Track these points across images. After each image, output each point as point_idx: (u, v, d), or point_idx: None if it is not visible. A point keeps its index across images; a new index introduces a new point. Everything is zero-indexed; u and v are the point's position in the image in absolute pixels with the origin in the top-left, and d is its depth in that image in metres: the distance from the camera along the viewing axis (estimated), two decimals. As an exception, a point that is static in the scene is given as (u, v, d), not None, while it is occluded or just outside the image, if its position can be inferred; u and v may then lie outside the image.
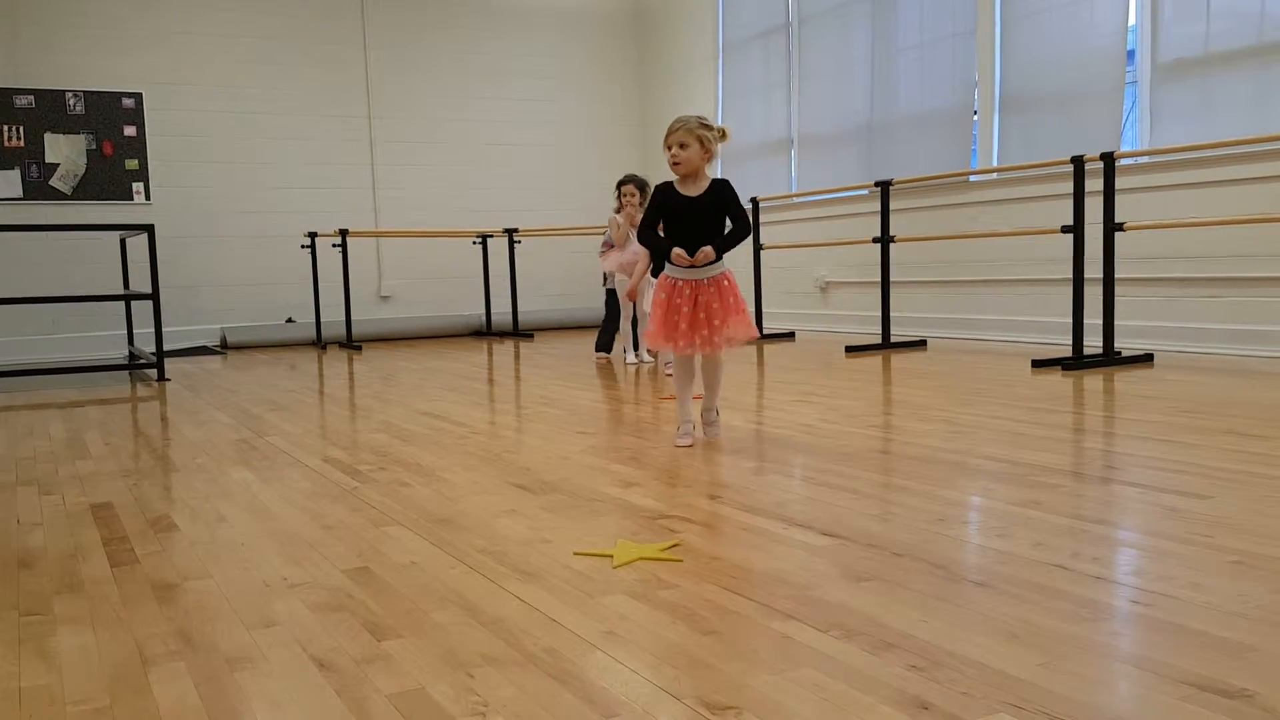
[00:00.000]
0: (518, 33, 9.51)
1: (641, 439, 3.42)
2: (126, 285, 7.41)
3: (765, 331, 7.53)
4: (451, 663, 1.51)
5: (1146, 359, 5.12)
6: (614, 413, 4.09)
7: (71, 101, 7.88)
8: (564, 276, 9.70)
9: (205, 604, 1.83)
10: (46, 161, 7.83)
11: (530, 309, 9.20)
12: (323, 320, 8.22)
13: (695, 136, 3.10)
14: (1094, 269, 5.23)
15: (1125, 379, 4.50)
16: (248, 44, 8.48)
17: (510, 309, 8.74)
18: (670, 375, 3.87)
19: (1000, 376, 4.72)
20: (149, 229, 5.70)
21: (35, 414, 4.61)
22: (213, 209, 8.39)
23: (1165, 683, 1.35)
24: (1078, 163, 5.03)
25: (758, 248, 7.32)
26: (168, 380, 5.86)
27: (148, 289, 5.87)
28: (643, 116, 9.97)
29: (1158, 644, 1.48)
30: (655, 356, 5.74)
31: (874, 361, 5.66)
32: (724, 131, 3.20)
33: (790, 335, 7.50)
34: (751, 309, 7.68)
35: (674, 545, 2.09)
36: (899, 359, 5.73)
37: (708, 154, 3.14)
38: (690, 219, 3.14)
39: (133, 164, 8.10)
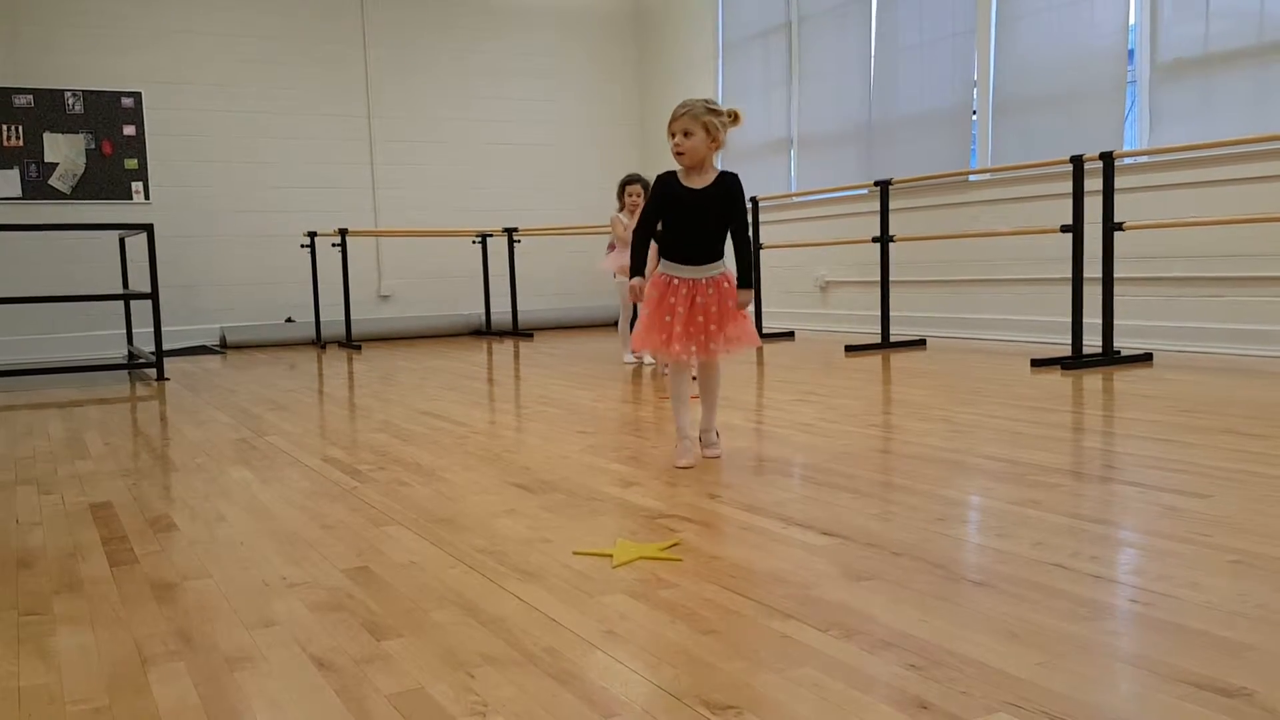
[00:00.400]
0: (518, 32, 9.51)
1: (641, 438, 3.42)
2: (126, 285, 7.41)
3: (765, 331, 7.53)
4: (451, 662, 1.51)
5: (1146, 358, 5.12)
6: (614, 412, 4.09)
7: (70, 101, 7.88)
8: (564, 276, 9.70)
9: (205, 604, 1.83)
10: (45, 161, 7.83)
11: (530, 308, 9.20)
12: (322, 320, 8.22)
13: (701, 123, 2.80)
14: (1093, 268, 5.23)
15: (1124, 378, 4.50)
16: (247, 43, 8.48)
17: (510, 308, 8.74)
18: (667, 374, 3.50)
19: (1000, 376, 4.72)
20: (148, 228, 5.70)
21: (35, 413, 4.61)
22: (212, 208, 8.39)
23: (1164, 682, 1.35)
24: (1077, 162, 5.03)
25: (757, 247, 7.32)
26: (167, 380, 5.86)
27: (147, 288, 5.87)
28: (643, 116, 9.97)
29: (1157, 643, 1.48)
30: (656, 357, 5.56)
31: (874, 361, 5.67)
32: (735, 115, 2.87)
33: (790, 335, 7.50)
34: (752, 309, 7.75)
35: (674, 545, 2.09)
36: (899, 358, 5.73)
37: (715, 142, 2.83)
38: (693, 214, 2.85)
39: (132, 163, 8.10)
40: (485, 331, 8.84)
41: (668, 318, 2.85)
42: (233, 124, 8.44)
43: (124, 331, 7.59)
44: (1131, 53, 5.77)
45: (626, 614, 1.69)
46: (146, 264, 5.79)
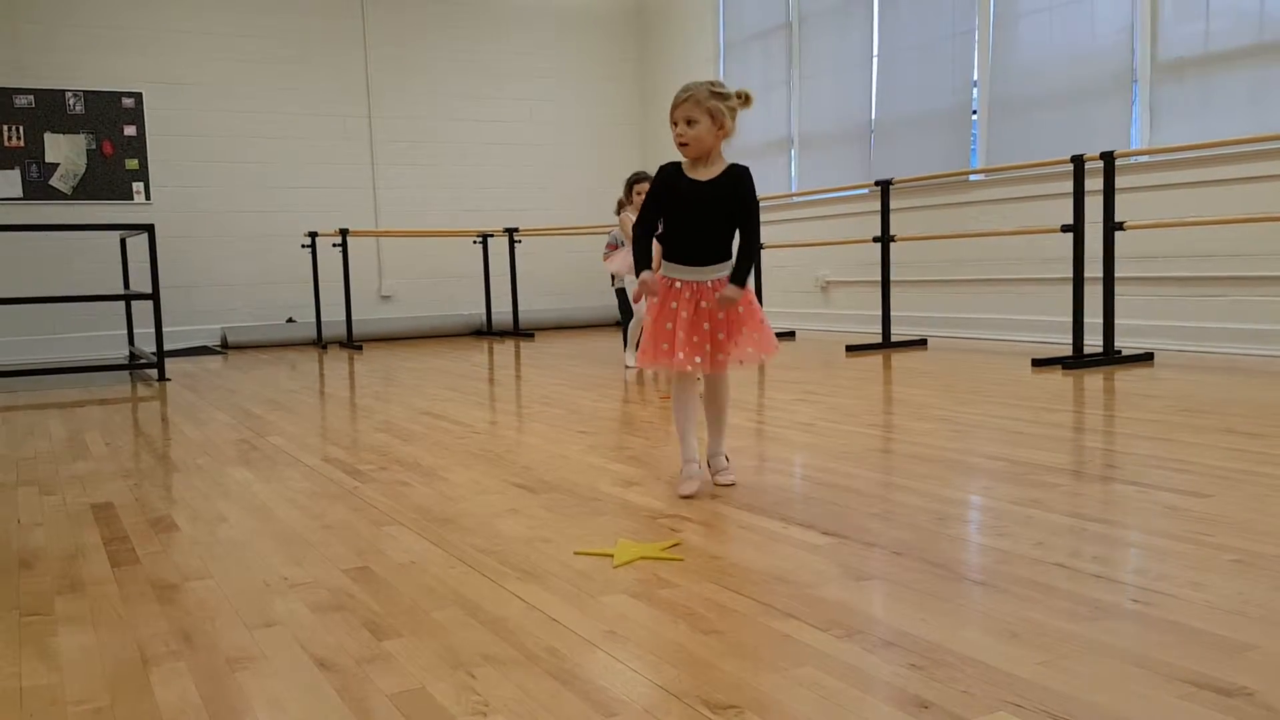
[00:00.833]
0: (518, 32, 9.51)
1: (642, 438, 3.42)
2: (127, 285, 7.41)
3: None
4: (452, 662, 1.51)
5: (1146, 358, 5.12)
6: (615, 412, 4.09)
7: (71, 101, 7.88)
8: (564, 276, 9.70)
9: (206, 604, 1.83)
10: (46, 161, 7.83)
11: (531, 308, 9.20)
12: (323, 320, 8.22)
13: (705, 109, 2.48)
14: (1094, 268, 5.23)
15: (1125, 378, 4.50)
16: (248, 43, 8.48)
17: (511, 308, 8.74)
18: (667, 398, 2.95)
19: (1000, 375, 4.72)
20: (149, 229, 5.70)
21: (36, 414, 4.61)
22: (213, 209, 8.39)
23: (1165, 681, 1.35)
24: (1078, 162, 5.03)
25: (758, 247, 7.31)
26: (168, 380, 5.86)
27: (148, 289, 5.87)
28: (643, 116, 9.97)
29: (1157, 642, 1.48)
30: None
31: (874, 361, 5.67)
32: (745, 96, 2.55)
33: (791, 335, 7.50)
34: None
35: (674, 544, 2.09)
36: (899, 358, 5.73)
37: (722, 130, 2.52)
38: (698, 209, 2.53)
39: (133, 164, 8.10)
40: (486, 332, 8.85)
41: (669, 325, 2.53)
42: (234, 124, 8.44)
43: (125, 332, 7.59)
44: (1132, 52, 5.76)
45: (627, 614, 1.69)
46: (147, 264, 5.80)
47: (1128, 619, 1.59)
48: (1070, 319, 5.21)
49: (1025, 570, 1.84)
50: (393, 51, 9.01)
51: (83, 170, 7.94)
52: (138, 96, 8.09)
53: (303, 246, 8.23)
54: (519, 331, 8.62)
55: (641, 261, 2.59)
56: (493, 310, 8.85)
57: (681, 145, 2.54)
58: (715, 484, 2.61)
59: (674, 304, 2.53)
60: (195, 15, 8.28)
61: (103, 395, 5.29)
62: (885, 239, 6.24)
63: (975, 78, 6.64)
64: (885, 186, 6.25)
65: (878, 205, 6.34)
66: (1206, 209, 5.25)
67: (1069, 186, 5.16)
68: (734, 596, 1.76)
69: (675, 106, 2.53)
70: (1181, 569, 1.82)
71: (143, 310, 7.54)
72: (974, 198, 6.63)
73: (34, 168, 7.79)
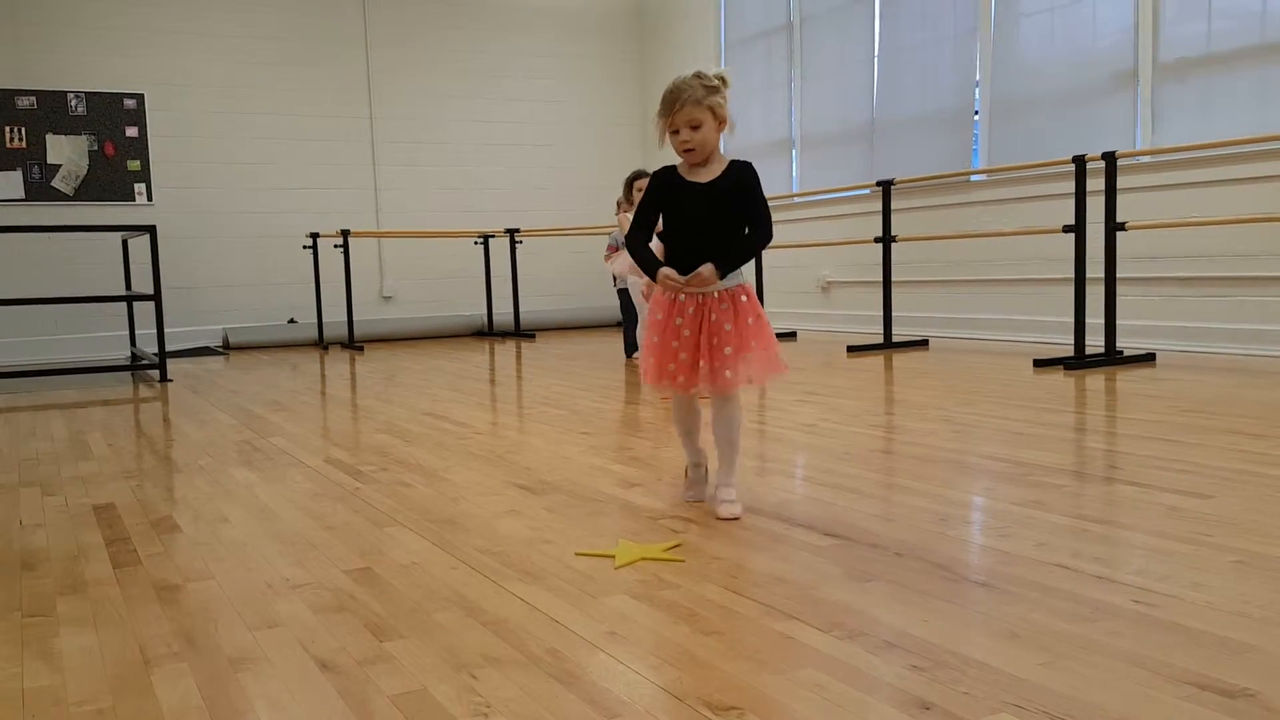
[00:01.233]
0: (519, 32, 9.51)
1: (644, 439, 3.42)
2: (129, 286, 7.41)
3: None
4: (454, 663, 1.51)
5: (1148, 358, 5.12)
6: (616, 413, 4.09)
7: (73, 102, 7.88)
8: (566, 276, 9.70)
9: (208, 605, 1.83)
10: (48, 162, 7.84)
11: (532, 309, 9.20)
12: (325, 321, 8.22)
13: (707, 108, 2.26)
14: (1096, 269, 5.22)
15: (1127, 378, 4.50)
16: (249, 44, 8.48)
17: (512, 309, 8.74)
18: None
19: (1002, 376, 4.71)
20: (151, 230, 5.70)
21: (38, 415, 4.62)
22: (215, 210, 8.39)
23: (1166, 682, 1.35)
24: (1079, 162, 5.03)
25: (762, 247, 7.30)
26: (170, 381, 5.87)
27: (150, 290, 5.87)
28: (645, 116, 9.97)
29: (1159, 643, 1.48)
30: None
31: (876, 361, 5.66)
32: (724, 78, 2.33)
33: (792, 335, 7.50)
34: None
35: (676, 545, 2.09)
36: (901, 359, 5.73)
37: (722, 125, 2.31)
38: (702, 213, 2.30)
39: (134, 165, 8.11)
40: (487, 332, 8.85)
41: (674, 343, 2.31)
42: (235, 125, 8.45)
43: (127, 333, 7.60)
44: (1134, 52, 5.76)
45: (628, 615, 1.69)
46: (149, 265, 5.80)
47: (1129, 620, 1.59)
48: (1072, 319, 5.21)
49: (1027, 571, 1.84)
50: (394, 52, 9.01)
51: (84, 171, 7.95)
52: (139, 98, 8.10)
53: (304, 247, 8.23)
54: (520, 332, 8.62)
55: (647, 269, 2.36)
56: (494, 311, 8.85)
57: (688, 151, 2.30)
58: (718, 516, 2.32)
59: (679, 320, 2.31)
60: (197, 16, 8.28)
61: (105, 396, 5.29)
62: (886, 239, 6.23)
63: (977, 78, 6.64)
64: (887, 187, 6.24)
65: (879, 205, 6.33)
66: (1208, 209, 5.25)
67: (1071, 187, 5.15)
68: (735, 598, 1.76)
69: (673, 111, 2.27)
70: (1183, 570, 1.82)
71: (144, 311, 7.55)
72: (975, 198, 6.63)
73: (36, 169, 7.80)
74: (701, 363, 2.29)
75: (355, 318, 8.15)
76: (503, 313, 8.92)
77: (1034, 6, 6.22)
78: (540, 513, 2.43)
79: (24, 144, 7.76)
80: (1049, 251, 6.06)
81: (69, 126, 7.88)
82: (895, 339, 6.41)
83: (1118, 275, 5.17)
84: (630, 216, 4.65)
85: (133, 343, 7.42)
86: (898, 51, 7.26)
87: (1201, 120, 5.37)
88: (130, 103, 8.07)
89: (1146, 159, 5.54)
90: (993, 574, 1.83)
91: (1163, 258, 5.54)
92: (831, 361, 5.70)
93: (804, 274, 8.08)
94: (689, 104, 2.26)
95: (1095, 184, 5.09)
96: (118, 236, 7.53)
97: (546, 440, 3.44)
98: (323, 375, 6.02)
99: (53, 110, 7.83)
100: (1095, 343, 5.32)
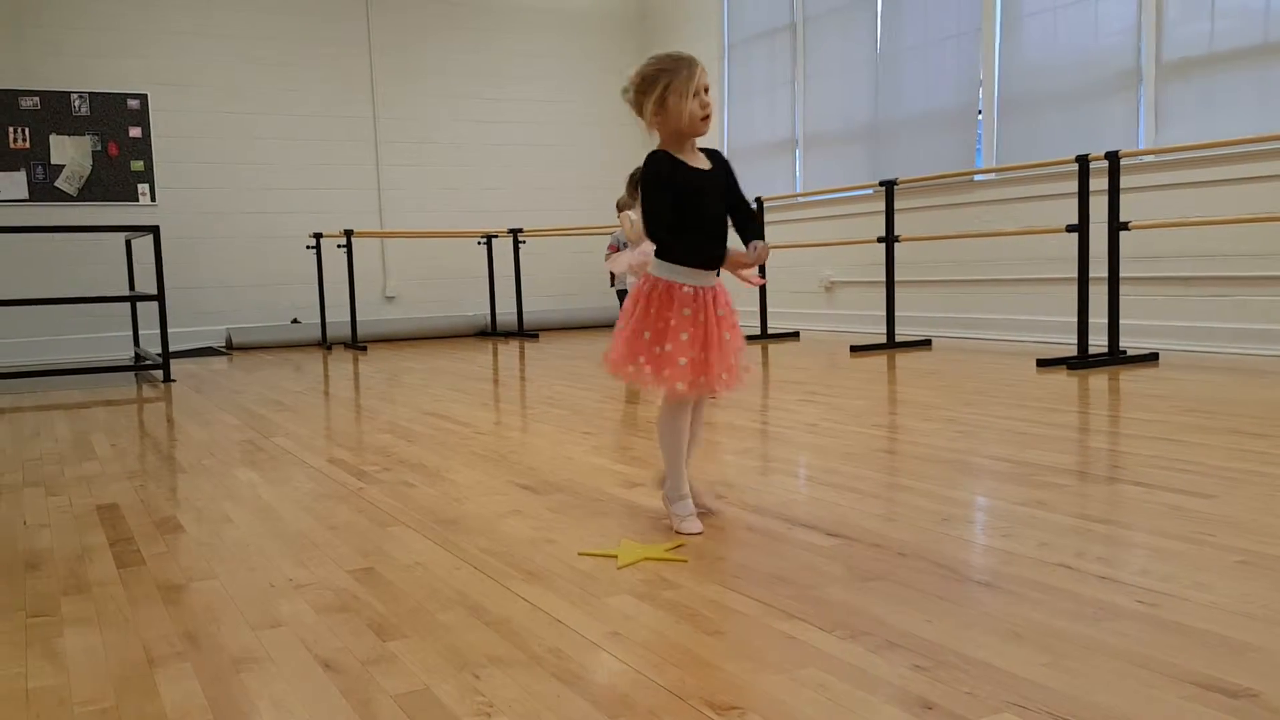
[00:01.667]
0: (522, 33, 9.52)
1: (646, 440, 3.42)
2: (132, 286, 7.43)
3: (770, 331, 7.53)
4: (457, 663, 1.51)
5: (1152, 358, 5.11)
6: (618, 413, 4.10)
7: (77, 103, 7.90)
8: (568, 276, 9.71)
9: (211, 605, 1.84)
10: (52, 163, 7.85)
11: (535, 309, 9.21)
12: (328, 321, 8.23)
13: None
14: (1099, 268, 5.22)
15: (1130, 378, 4.49)
16: (252, 45, 8.49)
17: (515, 309, 8.75)
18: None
19: (1005, 376, 4.71)
20: (154, 230, 5.71)
21: (42, 415, 4.62)
22: (218, 210, 8.41)
23: (1169, 682, 1.35)
24: (1082, 162, 5.02)
25: (762, 247, 7.30)
26: (173, 381, 5.87)
27: (153, 290, 5.88)
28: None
29: (1162, 643, 1.48)
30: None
31: (879, 361, 5.66)
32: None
33: (795, 335, 7.50)
34: (756, 309, 7.78)
35: (678, 545, 2.09)
36: (904, 358, 5.72)
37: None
38: (708, 202, 2.22)
39: (138, 165, 8.12)
40: (490, 332, 8.85)
41: (684, 335, 2.19)
42: (238, 126, 8.46)
43: (130, 333, 7.61)
44: (1137, 52, 5.76)
45: (631, 615, 1.69)
46: (153, 266, 5.81)
47: (1132, 620, 1.58)
48: (1075, 319, 5.20)
49: (1030, 571, 1.84)
50: (397, 53, 9.02)
51: (88, 172, 7.96)
52: (143, 98, 8.11)
53: (307, 248, 8.24)
54: (523, 332, 8.63)
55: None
56: (497, 311, 8.86)
57: (706, 119, 2.20)
58: (707, 509, 2.31)
59: (687, 310, 2.18)
60: (200, 17, 8.30)
61: (108, 396, 5.30)
62: (890, 239, 6.23)
63: (980, 78, 6.64)
64: (890, 187, 6.24)
65: (882, 205, 6.33)
66: (1211, 209, 5.24)
67: (1074, 186, 5.15)
68: (738, 597, 1.76)
69: (699, 73, 2.18)
70: (1186, 570, 1.81)
71: (148, 311, 7.56)
72: (978, 198, 6.63)
73: (39, 169, 7.81)
74: (722, 364, 2.19)
75: (358, 318, 8.16)
76: (506, 313, 8.93)
77: (1037, 6, 6.22)
78: (543, 513, 2.43)
79: (28, 144, 7.77)
80: (1052, 251, 6.05)
81: (73, 127, 7.90)
82: (898, 339, 6.41)
83: (1121, 275, 5.17)
84: (632, 215, 4.23)
85: (136, 343, 7.44)
86: (900, 51, 7.25)
87: (1205, 120, 5.36)
88: (134, 103, 8.08)
89: (1150, 158, 5.53)
90: (995, 574, 1.83)
91: (1166, 257, 5.54)
92: (834, 361, 5.69)
93: (807, 274, 8.08)
94: (701, 69, 2.20)
95: (1098, 183, 5.08)
96: (121, 237, 7.54)
97: (549, 440, 3.44)
98: (326, 375, 6.03)
99: (56, 111, 7.84)
100: (1098, 342, 5.32)
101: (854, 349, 6.19)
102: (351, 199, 8.89)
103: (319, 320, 8.26)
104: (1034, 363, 5.08)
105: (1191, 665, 1.40)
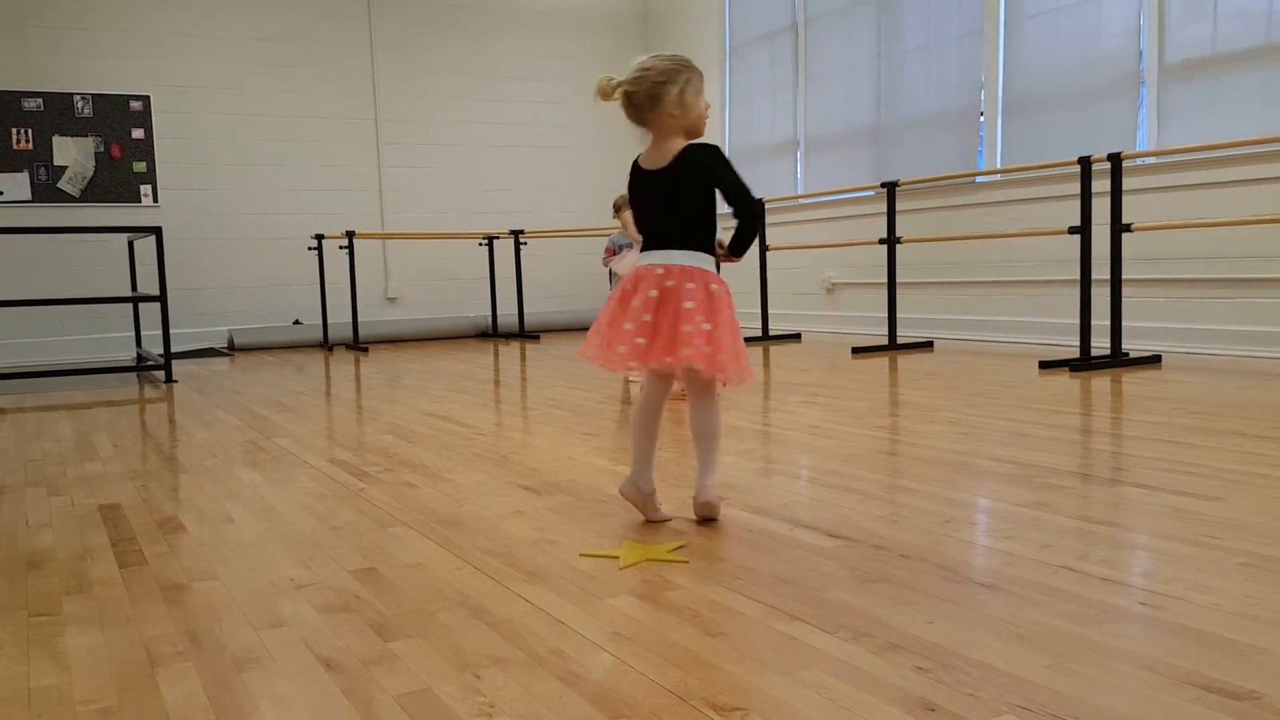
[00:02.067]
0: (524, 34, 9.52)
1: (648, 440, 3.41)
2: (134, 287, 7.43)
3: (772, 333, 7.53)
4: (458, 663, 1.51)
5: (1154, 360, 5.11)
6: (620, 414, 4.09)
7: (79, 104, 7.91)
8: (570, 278, 9.71)
9: (213, 604, 1.84)
10: (55, 164, 7.86)
11: (536, 310, 9.21)
12: (329, 322, 8.24)
13: None
14: (1101, 270, 5.22)
15: (1133, 380, 4.49)
16: (255, 47, 8.50)
17: (516, 310, 8.75)
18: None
19: (1007, 378, 4.71)
20: (156, 231, 5.72)
21: (44, 415, 4.63)
22: (220, 211, 8.41)
23: (1173, 684, 1.34)
24: (1085, 163, 5.02)
25: (764, 249, 7.32)
26: (175, 382, 5.88)
27: (155, 291, 5.89)
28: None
29: (1165, 646, 1.48)
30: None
31: (880, 363, 5.66)
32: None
33: (796, 336, 7.49)
34: (758, 310, 7.78)
35: (680, 546, 2.09)
36: (905, 360, 5.72)
37: None
38: (653, 199, 2.28)
39: (140, 166, 8.12)
40: (492, 333, 8.85)
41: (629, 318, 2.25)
42: (241, 127, 8.46)
43: (133, 334, 7.62)
44: (1140, 53, 5.76)
45: (633, 616, 1.69)
46: (155, 267, 5.81)
47: (1135, 622, 1.58)
48: (1077, 321, 5.20)
49: (1032, 573, 1.83)
50: (399, 54, 9.03)
51: (91, 173, 7.97)
52: (146, 99, 8.12)
53: (309, 249, 8.25)
54: (524, 333, 8.63)
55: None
56: (498, 312, 8.86)
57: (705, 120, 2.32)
58: (697, 515, 2.30)
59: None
60: (203, 19, 8.30)
61: (110, 397, 5.30)
62: (891, 241, 6.23)
63: (982, 79, 6.64)
64: (891, 188, 6.24)
65: (884, 207, 6.33)
66: (1214, 210, 5.24)
67: (1076, 188, 5.15)
68: (740, 599, 1.76)
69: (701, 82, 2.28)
70: (1190, 572, 1.81)
71: (150, 312, 7.57)
72: (980, 199, 6.62)
73: (42, 170, 7.82)
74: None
75: (360, 319, 8.16)
76: (507, 314, 8.93)
77: (1039, 7, 6.22)
78: (544, 513, 2.43)
79: (30, 145, 7.78)
80: (1054, 253, 6.05)
81: (75, 128, 7.91)
82: (900, 340, 6.41)
83: (1123, 277, 5.16)
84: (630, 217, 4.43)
85: (138, 344, 7.44)
86: (902, 53, 7.25)
87: (1207, 121, 5.36)
88: (136, 104, 8.09)
89: (1152, 160, 5.53)
90: (998, 576, 1.83)
91: (1168, 259, 5.53)
92: (836, 363, 5.69)
93: (808, 275, 8.07)
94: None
95: (1101, 185, 5.08)
96: (124, 238, 7.55)
97: (551, 441, 3.44)
98: (327, 376, 6.03)
99: (59, 112, 7.85)
100: (1101, 344, 5.31)
101: (855, 350, 6.19)
102: (353, 200, 8.90)
103: (320, 321, 8.27)
104: (1036, 365, 5.08)
105: (1195, 667, 1.39)
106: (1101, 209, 5.09)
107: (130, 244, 7.40)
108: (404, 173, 9.10)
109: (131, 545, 2.28)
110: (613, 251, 5.95)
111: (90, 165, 7.97)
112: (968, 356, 5.78)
